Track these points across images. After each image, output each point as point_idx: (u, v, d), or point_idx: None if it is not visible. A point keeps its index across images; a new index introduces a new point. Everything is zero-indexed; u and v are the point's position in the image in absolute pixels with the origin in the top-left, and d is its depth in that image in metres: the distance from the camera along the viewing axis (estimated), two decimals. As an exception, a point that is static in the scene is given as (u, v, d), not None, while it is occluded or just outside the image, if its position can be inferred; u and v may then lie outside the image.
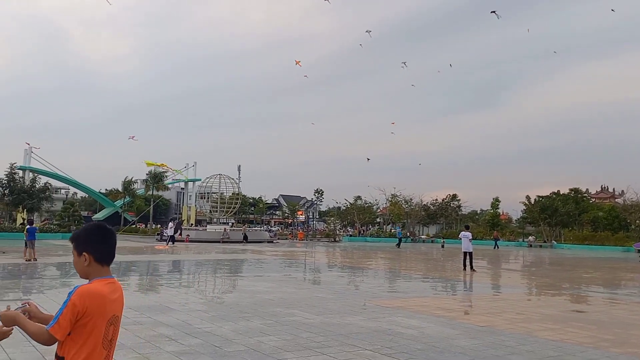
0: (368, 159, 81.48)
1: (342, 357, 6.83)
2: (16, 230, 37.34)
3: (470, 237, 21.99)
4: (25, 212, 45.31)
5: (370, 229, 71.74)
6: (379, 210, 72.59)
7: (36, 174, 50.38)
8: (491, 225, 65.36)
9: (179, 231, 41.39)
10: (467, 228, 23.31)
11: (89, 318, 2.54)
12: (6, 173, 45.19)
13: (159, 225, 60.84)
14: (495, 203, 72.70)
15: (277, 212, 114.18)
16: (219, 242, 42.08)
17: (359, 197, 71.93)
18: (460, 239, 22.48)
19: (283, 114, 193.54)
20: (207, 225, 51.12)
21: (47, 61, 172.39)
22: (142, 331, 8.03)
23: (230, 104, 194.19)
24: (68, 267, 18.84)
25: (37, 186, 46.49)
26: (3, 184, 44.55)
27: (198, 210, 64.24)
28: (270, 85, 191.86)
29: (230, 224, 52.94)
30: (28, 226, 21.78)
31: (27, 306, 2.61)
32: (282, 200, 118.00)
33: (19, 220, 46.96)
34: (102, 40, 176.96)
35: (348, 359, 6.76)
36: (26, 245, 20.84)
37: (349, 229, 69.45)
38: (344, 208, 71.77)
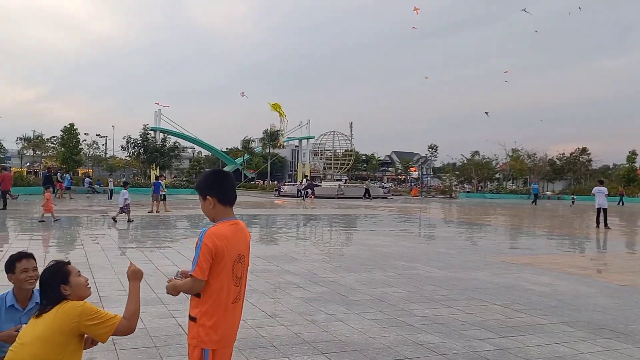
0: (486, 113, 77.38)
1: (471, 311, 6.64)
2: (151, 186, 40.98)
3: (606, 193, 20.52)
4: (157, 169, 49.38)
5: (488, 185, 68.90)
6: (498, 165, 69.32)
7: (166, 134, 54.40)
8: (627, 180, 59.72)
9: (312, 189, 42.58)
10: (601, 183, 21.56)
11: (220, 257, 2.71)
12: (140, 134, 49.38)
13: (276, 182, 63.46)
14: (632, 157, 66.17)
15: (389, 168, 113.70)
16: (334, 197, 42.87)
17: (476, 153, 69.17)
18: (594, 194, 20.90)
19: (395, 68, 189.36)
20: (321, 182, 52.25)
21: (174, 30, 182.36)
22: (272, 278, 8.42)
23: (341, 62, 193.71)
24: (196, 218, 20.28)
25: (167, 145, 50.36)
26: (138, 143, 48.74)
27: (312, 167, 65.83)
28: (382, 40, 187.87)
29: (343, 180, 53.67)
30: (154, 181, 23.71)
31: (180, 275, 2.87)
32: (394, 157, 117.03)
33: (152, 178, 51.45)
34: (219, 4, 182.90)
35: (476, 313, 6.56)
36: (157, 199, 22.74)
37: (466, 186, 67.27)
38: (460, 164, 69.40)
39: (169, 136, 54.87)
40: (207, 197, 2.85)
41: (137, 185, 43.25)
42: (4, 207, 21.88)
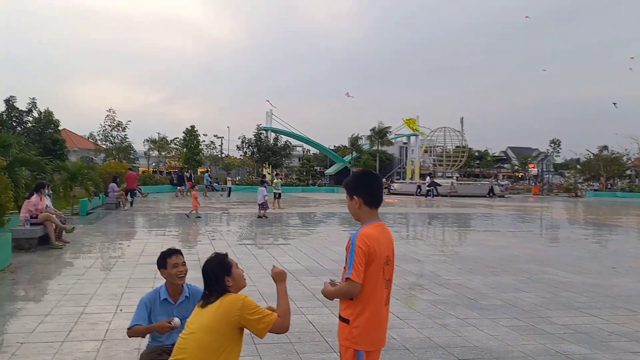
0: (614, 104, 70.82)
1: (617, 321, 6.07)
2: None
3: None
4: (270, 167, 51.21)
5: (618, 183, 63.14)
6: (630, 161, 63.25)
7: (278, 134, 56.26)
8: None
9: (434, 187, 41.83)
10: None
11: (372, 259, 2.70)
12: (254, 133, 51.57)
13: (384, 179, 63.09)
14: None
15: (505, 165, 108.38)
16: (445, 195, 41.69)
17: (604, 147, 63.64)
18: None
19: (507, 59, 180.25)
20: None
21: (281, 29, 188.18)
22: (395, 279, 8.26)
23: (448, 54, 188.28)
24: (307, 216, 20.67)
25: (278, 144, 52.10)
26: (252, 143, 50.92)
27: (422, 164, 64.64)
28: (491, 30, 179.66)
29: (455, 177, 52.03)
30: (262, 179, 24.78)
31: (337, 282, 2.87)
32: (510, 153, 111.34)
33: (268, 177, 53.55)
34: (322, 2, 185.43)
35: (624, 323, 5.97)
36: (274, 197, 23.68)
37: (593, 183, 62.15)
38: (585, 160, 64.28)
39: (281, 135, 56.63)
40: (354, 196, 2.87)
41: (251, 183, 45.12)
42: (131, 205, 23.76)
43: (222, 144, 78.52)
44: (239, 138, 52.19)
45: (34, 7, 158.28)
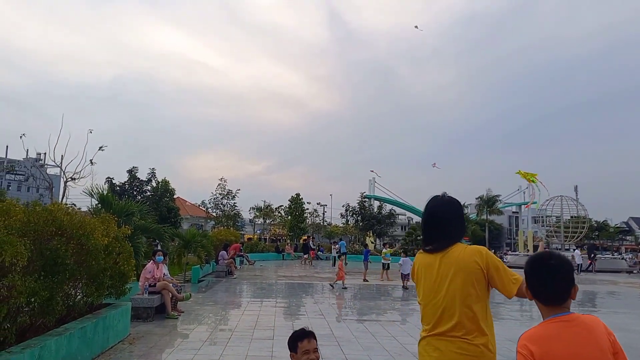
0: None
1: None
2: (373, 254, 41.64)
3: None
4: (374, 236, 50.27)
5: None
6: None
7: (381, 202, 55.61)
8: None
9: (592, 257, 38.83)
10: None
11: None
12: (358, 201, 51.39)
13: (493, 250, 59.44)
14: None
15: (627, 237, 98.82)
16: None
17: None
18: None
19: (624, 126, 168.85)
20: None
21: (385, 99, 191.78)
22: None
23: (553, 120, 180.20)
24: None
25: (383, 212, 51.29)
26: (356, 211, 50.62)
27: (534, 235, 60.36)
28: (607, 99, 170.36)
29: (573, 249, 47.65)
30: (364, 249, 23.81)
31: None
32: (632, 224, 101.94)
33: (369, 245, 52.53)
34: (426, 73, 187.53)
35: None
36: (366, 267, 22.80)
37: None
38: None
39: (384, 203, 55.89)
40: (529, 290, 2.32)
41: (355, 252, 44.32)
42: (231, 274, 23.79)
43: (324, 211, 79.22)
44: (343, 206, 52.30)
45: (163, 89, 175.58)
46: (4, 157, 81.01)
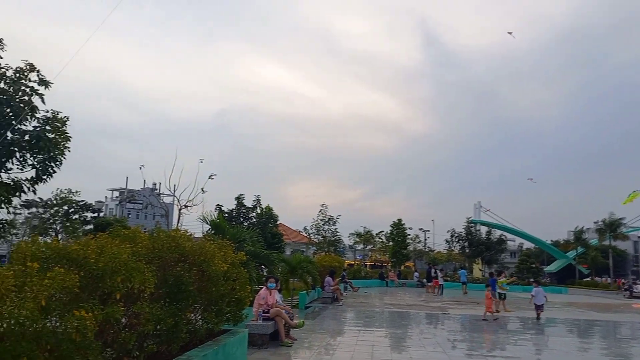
0: None
1: None
2: (479, 282, 39.44)
3: None
4: (482, 263, 47.82)
5: None
6: None
7: (490, 227, 52.97)
8: None
9: None
10: None
11: None
12: (464, 227, 49.27)
13: (622, 280, 54.17)
14: None
15: None
16: None
17: None
18: None
19: None
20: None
21: (483, 119, 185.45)
22: None
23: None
24: (560, 323, 17.75)
25: (492, 238, 48.71)
26: (462, 237, 48.54)
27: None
28: None
29: None
30: (490, 278, 22.02)
31: None
32: None
33: (476, 272, 50.01)
34: (527, 90, 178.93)
35: None
36: (495, 296, 20.96)
37: None
38: None
39: (493, 229, 53.17)
40: None
41: (454, 280, 42.37)
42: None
43: (426, 237, 77.07)
44: (448, 232, 50.27)
45: (264, 120, 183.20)
46: (125, 187, 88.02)
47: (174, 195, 23.62)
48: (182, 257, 6.87)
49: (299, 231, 61.41)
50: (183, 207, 24.05)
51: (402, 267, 51.67)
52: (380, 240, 69.08)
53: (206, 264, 7.01)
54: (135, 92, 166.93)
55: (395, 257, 48.25)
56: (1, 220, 9.94)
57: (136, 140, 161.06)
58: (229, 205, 41.86)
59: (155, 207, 44.66)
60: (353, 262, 65.57)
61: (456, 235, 48.86)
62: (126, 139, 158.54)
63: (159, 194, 39.75)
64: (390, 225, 51.80)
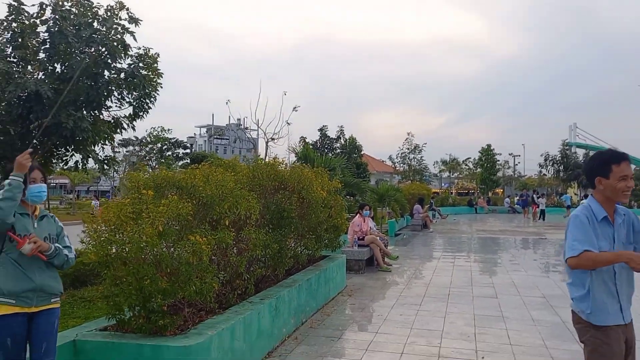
0: None
1: None
2: (575, 206, 37.54)
3: None
4: (578, 187, 45.40)
5: None
6: None
7: (587, 150, 49.71)
8: None
9: None
10: None
11: None
12: (559, 150, 46.58)
13: None
14: None
15: None
16: None
17: None
18: None
19: None
20: None
21: (577, 38, 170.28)
22: None
23: None
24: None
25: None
26: (557, 160, 46.04)
27: None
28: None
29: None
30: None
31: None
32: None
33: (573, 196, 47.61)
34: (629, 4, 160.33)
35: None
36: None
37: None
38: None
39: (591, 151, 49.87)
40: None
41: (553, 205, 40.56)
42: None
43: (516, 163, 73.99)
44: (541, 155, 47.69)
45: (338, 51, 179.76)
46: (211, 124, 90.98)
47: (260, 129, 23.97)
48: (281, 185, 6.90)
49: (382, 161, 61.04)
50: (270, 140, 24.40)
51: (491, 194, 50.17)
52: (467, 167, 67.35)
53: (305, 191, 7.01)
54: (214, 30, 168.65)
55: (484, 184, 46.90)
56: (106, 156, 10.39)
57: (219, 77, 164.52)
58: (312, 137, 42.07)
59: (243, 141, 45.87)
60: (439, 191, 64.67)
61: (550, 158, 46.38)
62: (210, 76, 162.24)
63: (245, 129, 40.62)
64: (479, 151, 50.15)
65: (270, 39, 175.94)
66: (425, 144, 47.17)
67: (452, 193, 65.18)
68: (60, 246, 3.31)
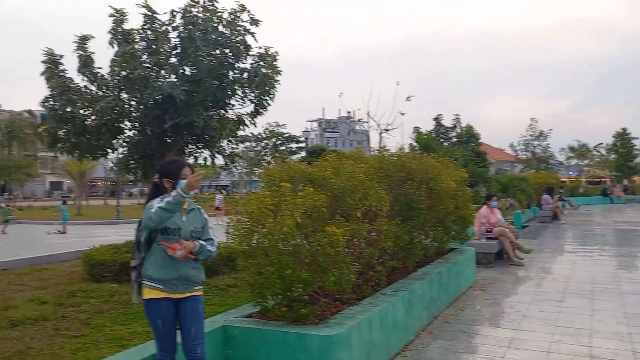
0: None
1: None
2: None
3: None
4: None
5: None
6: None
7: None
8: None
9: None
10: None
11: None
12: None
13: None
14: None
15: None
16: None
17: None
18: None
19: None
20: None
21: None
22: None
23: None
24: None
25: None
26: None
27: None
28: None
29: None
30: None
31: None
32: None
33: None
34: None
35: None
36: None
37: None
38: None
39: None
40: None
41: None
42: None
43: (657, 147, 66.63)
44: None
45: (449, 36, 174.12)
46: (322, 117, 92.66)
47: (374, 120, 23.87)
48: (409, 175, 6.77)
49: (502, 149, 58.22)
50: (383, 131, 24.18)
51: (627, 182, 45.75)
52: (599, 153, 61.93)
53: (434, 182, 6.82)
54: (325, 24, 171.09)
55: (620, 171, 42.83)
56: (231, 152, 10.90)
57: (328, 71, 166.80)
58: (426, 126, 41.18)
59: (356, 134, 46.15)
60: (566, 180, 60.24)
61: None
62: (318, 71, 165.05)
63: (358, 121, 40.81)
64: (613, 136, 45.90)
65: (380, 31, 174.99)
66: (551, 130, 44.20)
67: (581, 182, 60.41)
68: (204, 243, 3.49)
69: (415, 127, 40.72)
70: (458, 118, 40.81)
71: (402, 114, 26.29)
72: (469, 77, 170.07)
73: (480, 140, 42.16)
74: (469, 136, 39.60)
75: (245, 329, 4.18)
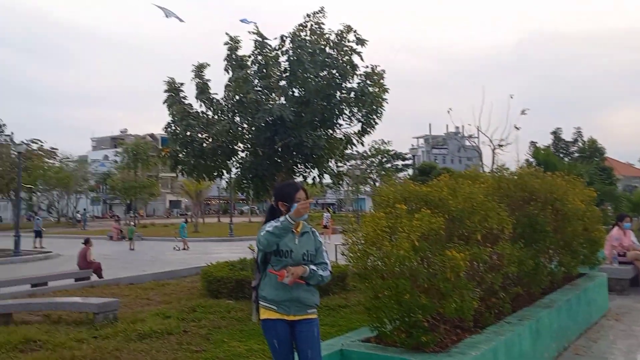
0: None
1: None
2: None
3: None
4: None
5: None
6: None
7: None
8: None
9: None
10: None
11: None
12: None
13: None
14: None
15: None
16: None
17: None
18: None
19: None
20: None
21: None
22: None
23: None
24: None
25: None
26: None
27: None
28: None
29: None
30: None
31: None
32: None
33: None
34: None
35: None
36: None
37: None
38: None
39: None
40: None
41: None
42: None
43: None
44: None
45: (565, 43, 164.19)
46: (429, 134, 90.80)
47: (485, 136, 22.88)
48: (532, 195, 6.31)
49: (630, 164, 53.39)
50: (497, 147, 23.04)
51: None
52: None
53: (560, 202, 6.31)
54: (428, 39, 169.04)
55: None
56: (339, 171, 10.88)
57: (433, 86, 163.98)
58: (543, 141, 38.93)
59: (467, 150, 44.68)
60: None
61: None
62: (424, 86, 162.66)
63: (469, 137, 39.50)
64: None
65: (485, 42, 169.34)
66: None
67: None
68: (315, 268, 3.43)
69: (532, 142, 38.64)
70: (580, 131, 38.24)
71: (518, 128, 24.79)
72: (591, 85, 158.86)
73: (604, 155, 39.03)
74: (593, 150, 36.90)
75: (364, 354, 4.07)
